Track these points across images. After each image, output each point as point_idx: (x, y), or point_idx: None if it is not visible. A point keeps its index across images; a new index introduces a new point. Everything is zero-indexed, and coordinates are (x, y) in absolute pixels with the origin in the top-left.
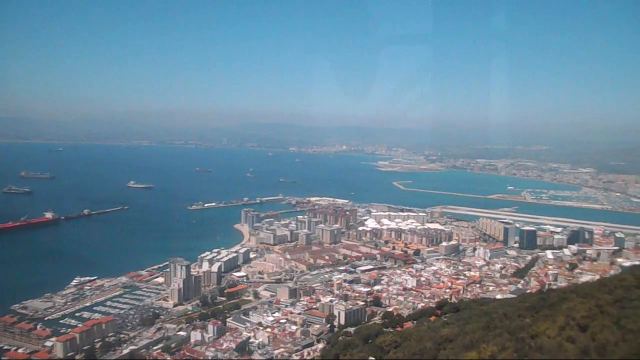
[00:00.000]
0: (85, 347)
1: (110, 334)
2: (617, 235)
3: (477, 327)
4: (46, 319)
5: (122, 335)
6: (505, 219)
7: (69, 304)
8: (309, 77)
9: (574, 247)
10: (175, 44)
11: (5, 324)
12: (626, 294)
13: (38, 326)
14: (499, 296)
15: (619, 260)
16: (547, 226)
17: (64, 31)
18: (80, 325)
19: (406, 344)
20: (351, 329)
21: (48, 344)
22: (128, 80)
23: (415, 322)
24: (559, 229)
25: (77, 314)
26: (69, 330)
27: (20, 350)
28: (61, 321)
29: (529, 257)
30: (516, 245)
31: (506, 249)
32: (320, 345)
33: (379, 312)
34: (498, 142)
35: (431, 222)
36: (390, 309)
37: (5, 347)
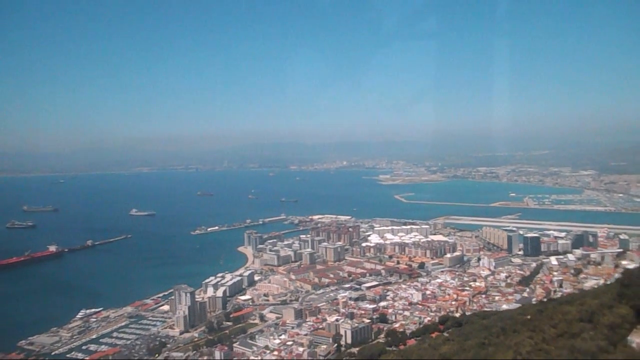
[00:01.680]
0: None
1: None
2: (621, 237)
3: (474, 344)
4: (53, 353)
5: None
6: (508, 226)
7: (75, 337)
8: (307, 96)
9: (578, 252)
10: (171, 70)
11: None
12: (568, 328)
13: None
14: (504, 306)
15: (624, 262)
16: (551, 232)
17: (62, 63)
18: (86, 358)
19: None
20: (354, 349)
21: None
22: (126, 108)
23: (418, 339)
24: (562, 234)
25: (83, 347)
26: None
27: None
28: (68, 355)
29: (534, 264)
30: (521, 252)
31: (511, 257)
32: None
33: (385, 328)
34: (498, 149)
35: (434, 234)
36: (396, 325)
37: None
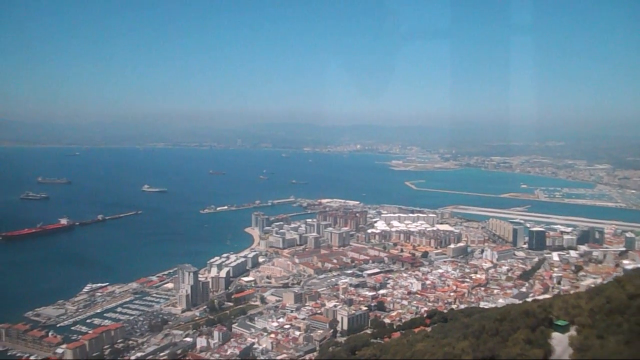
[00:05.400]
0: (94, 354)
1: (119, 341)
2: (628, 235)
3: (447, 342)
4: (58, 325)
5: (130, 342)
6: (516, 218)
7: (80, 310)
8: (323, 77)
9: (582, 248)
10: (189, 46)
11: (19, 331)
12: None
13: (50, 333)
14: (501, 300)
15: (625, 262)
16: (558, 226)
17: (80, 36)
18: (90, 332)
19: (384, 358)
20: (342, 339)
21: (59, 350)
22: (144, 83)
23: (403, 332)
24: (569, 229)
25: (88, 321)
26: (79, 337)
27: (32, 358)
28: (72, 328)
29: (537, 259)
30: (525, 246)
31: (514, 250)
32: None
33: (382, 316)
34: (514, 138)
35: (441, 223)
36: (393, 314)
37: (18, 354)
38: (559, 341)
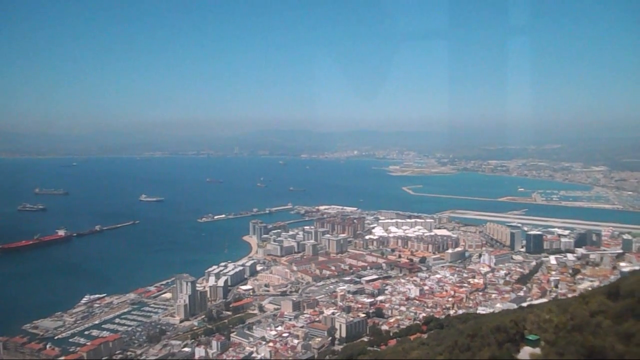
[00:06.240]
0: None
1: (117, 352)
2: (625, 237)
3: (441, 350)
4: (56, 338)
5: (128, 353)
6: (513, 222)
7: (78, 322)
8: (320, 83)
9: (580, 251)
10: (185, 55)
11: (16, 344)
12: None
13: (48, 346)
14: (499, 305)
15: (622, 264)
16: (555, 229)
17: (76, 47)
18: (88, 343)
19: None
20: (340, 347)
21: None
22: (140, 92)
23: (399, 339)
24: (566, 232)
25: (86, 332)
26: (78, 349)
27: None
28: (70, 340)
29: (534, 262)
30: (523, 249)
31: (512, 254)
32: None
33: (380, 323)
34: (510, 142)
35: (439, 228)
36: (391, 320)
37: None
38: (529, 356)
